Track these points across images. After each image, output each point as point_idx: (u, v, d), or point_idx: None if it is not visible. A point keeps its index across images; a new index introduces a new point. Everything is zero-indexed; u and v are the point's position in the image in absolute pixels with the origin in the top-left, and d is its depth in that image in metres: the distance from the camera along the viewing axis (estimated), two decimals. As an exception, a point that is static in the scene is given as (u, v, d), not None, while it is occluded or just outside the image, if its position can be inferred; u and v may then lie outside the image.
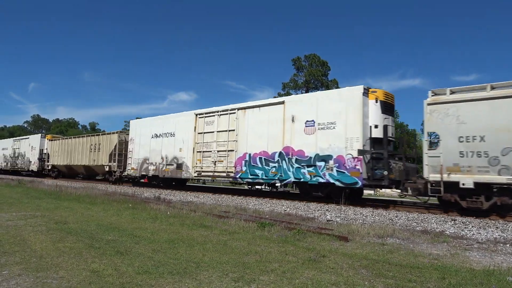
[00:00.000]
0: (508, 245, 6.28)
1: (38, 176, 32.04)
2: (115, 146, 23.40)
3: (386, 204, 12.82)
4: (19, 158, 35.95)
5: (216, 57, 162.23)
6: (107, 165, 23.86)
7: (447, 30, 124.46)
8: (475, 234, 7.30)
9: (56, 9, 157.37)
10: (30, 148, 34.15)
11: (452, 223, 8.61)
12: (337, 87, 47.38)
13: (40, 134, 33.65)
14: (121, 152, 23.12)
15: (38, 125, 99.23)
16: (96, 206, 10.66)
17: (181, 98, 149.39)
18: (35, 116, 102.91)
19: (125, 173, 22.39)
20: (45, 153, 32.50)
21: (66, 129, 79.77)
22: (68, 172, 30.35)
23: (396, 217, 9.50)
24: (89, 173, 28.11)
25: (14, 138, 39.80)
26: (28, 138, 35.94)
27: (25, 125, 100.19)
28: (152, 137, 19.86)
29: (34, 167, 33.14)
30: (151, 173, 19.79)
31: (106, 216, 8.67)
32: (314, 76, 46.33)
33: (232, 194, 16.11)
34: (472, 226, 8.13)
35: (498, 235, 7.20)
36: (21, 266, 4.26)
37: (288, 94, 48.11)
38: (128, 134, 22.99)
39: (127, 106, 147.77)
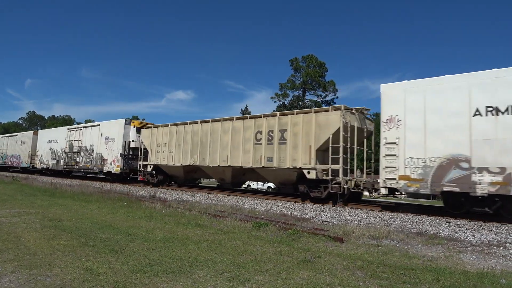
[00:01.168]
0: (502, 248, 6.31)
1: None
2: (335, 134, 12.52)
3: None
4: (81, 153, 24.54)
5: (215, 57, 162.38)
6: (310, 169, 12.86)
7: (446, 32, 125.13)
8: (469, 237, 7.34)
9: (54, 3, 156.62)
10: (102, 139, 22.84)
11: (447, 225, 8.66)
12: (334, 89, 47.63)
13: (123, 120, 21.86)
14: (346, 145, 12.57)
15: (34, 122, 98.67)
16: (91, 204, 10.61)
17: (179, 97, 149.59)
18: (31, 113, 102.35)
19: (376, 185, 11.89)
20: (133, 147, 21.55)
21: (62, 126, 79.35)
22: (186, 177, 19.31)
23: (391, 218, 9.53)
24: (238, 180, 17.18)
25: (70, 127, 28.26)
26: (98, 125, 23.93)
27: (20, 122, 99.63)
28: (493, 112, 9.42)
29: (112, 167, 21.56)
30: (485, 189, 9.27)
31: (101, 214, 8.63)
32: (311, 77, 46.48)
33: (228, 194, 16.08)
34: (466, 229, 8.18)
35: (492, 237, 7.25)
36: (14, 263, 4.23)
37: (285, 94, 48.23)
38: (353, 113, 13.15)
39: (124, 104, 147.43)
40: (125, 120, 21.87)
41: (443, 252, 5.87)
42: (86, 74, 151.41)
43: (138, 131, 21.62)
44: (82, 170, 25.04)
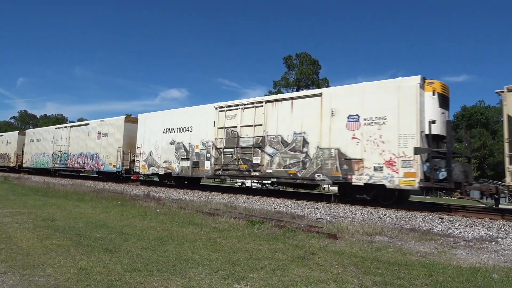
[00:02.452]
0: (493, 243, 6.39)
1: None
2: None
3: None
4: (266, 149, 13.74)
5: (209, 55, 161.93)
6: None
7: (438, 31, 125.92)
8: (462, 232, 7.41)
9: (46, 1, 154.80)
10: (337, 120, 11.90)
11: (440, 221, 8.74)
12: (328, 86, 47.78)
13: (417, 78, 10.52)
14: None
15: (25, 121, 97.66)
16: (85, 203, 10.54)
17: (173, 95, 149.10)
18: (22, 112, 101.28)
19: None
20: (436, 134, 10.62)
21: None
22: None
23: (384, 215, 9.59)
24: None
25: (222, 104, 15.67)
26: (320, 95, 12.60)
27: (12, 121, 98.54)
28: None
29: (388, 176, 10.53)
30: None
31: (95, 213, 8.57)
32: (305, 75, 46.60)
33: (222, 192, 16.07)
34: (459, 224, 8.26)
35: (484, 233, 7.33)
36: (7, 263, 4.19)
37: (279, 92, 48.35)
38: None
39: (117, 103, 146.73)
40: (420, 79, 10.57)
41: (436, 248, 5.92)
42: (79, 73, 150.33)
43: (442, 101, 10.95)
44: (273, 178, 13.93)
